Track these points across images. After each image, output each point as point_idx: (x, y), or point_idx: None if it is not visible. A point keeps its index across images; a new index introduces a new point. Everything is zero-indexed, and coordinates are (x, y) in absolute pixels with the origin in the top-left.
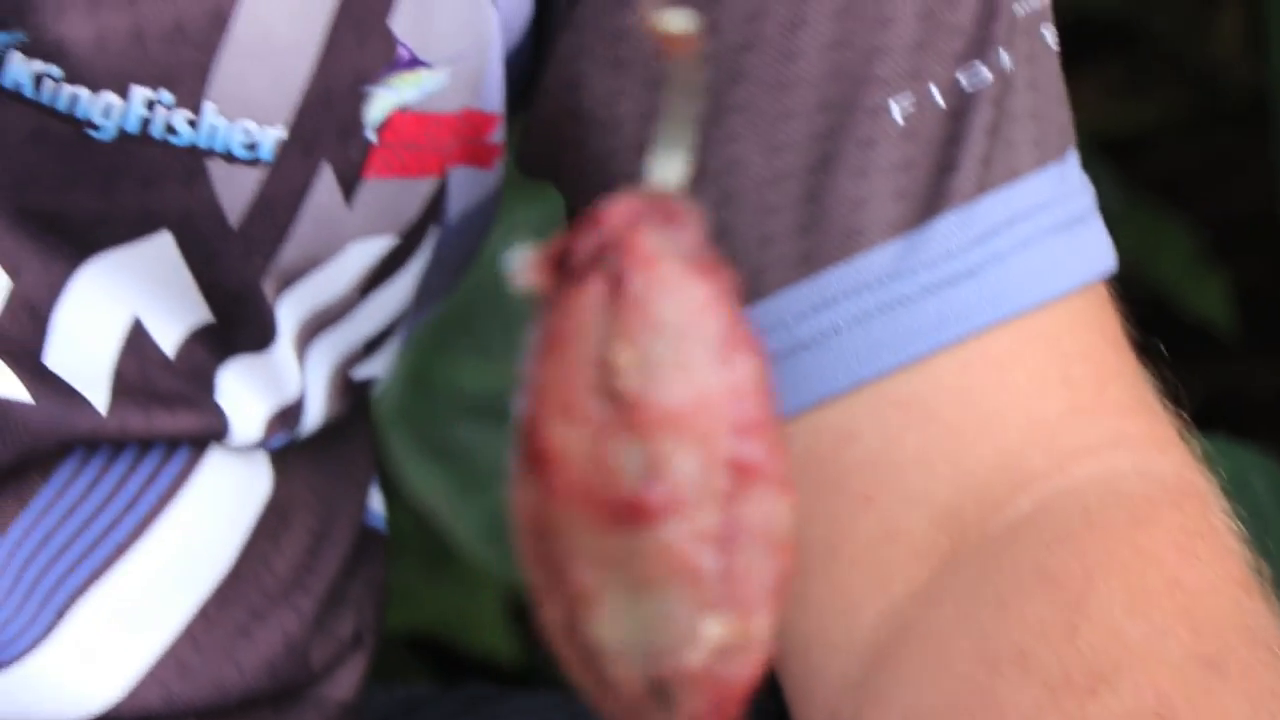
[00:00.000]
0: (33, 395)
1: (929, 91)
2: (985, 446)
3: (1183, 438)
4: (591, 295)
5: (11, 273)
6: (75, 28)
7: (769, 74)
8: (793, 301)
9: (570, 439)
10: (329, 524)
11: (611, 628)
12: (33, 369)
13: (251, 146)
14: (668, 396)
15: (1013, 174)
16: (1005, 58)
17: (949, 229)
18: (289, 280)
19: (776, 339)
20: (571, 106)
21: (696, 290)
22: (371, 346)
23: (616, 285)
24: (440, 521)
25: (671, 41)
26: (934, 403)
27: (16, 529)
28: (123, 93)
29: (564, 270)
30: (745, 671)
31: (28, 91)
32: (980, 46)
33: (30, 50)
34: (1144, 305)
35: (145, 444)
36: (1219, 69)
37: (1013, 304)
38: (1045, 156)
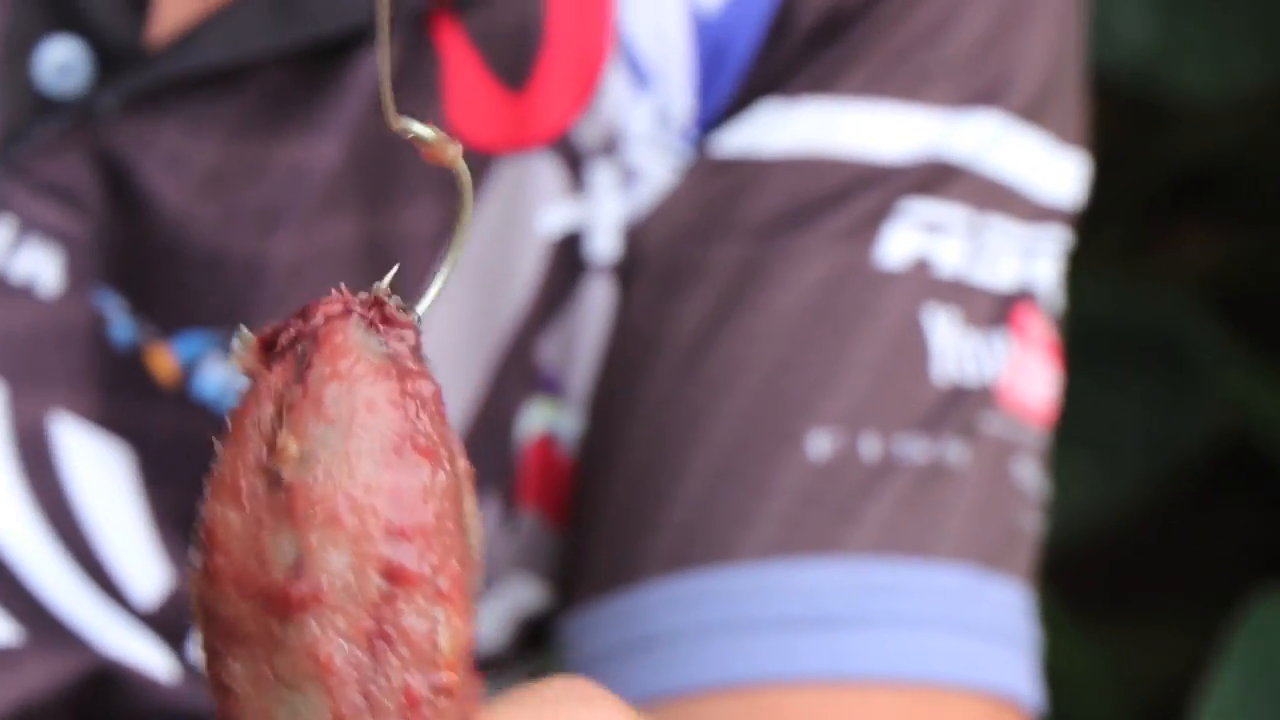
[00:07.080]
0: None
1: (854, 440)
2: None
3: None
4: (275, 380)
5: (176, 564)
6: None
7: (706, 375)
8: (661, 595)
9: (231, 520)
10: None
11: None
12: None
13: None
14: (322, 490)
15: (921, 551)
16: (954, 449)
17: (828, 574)
18: None
19: (638, 628)
20: None
21: (378, 389)
22: None
23: (300, 373)
24: None
25: (427, 148)
26: None
27: None
28: None
29: (266, 354)
30: None
31: (213, 402)
32: (928, 426)
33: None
34: (1256, 453)
35: None
36: None
37: (870, 665)
38: (966, 555)
